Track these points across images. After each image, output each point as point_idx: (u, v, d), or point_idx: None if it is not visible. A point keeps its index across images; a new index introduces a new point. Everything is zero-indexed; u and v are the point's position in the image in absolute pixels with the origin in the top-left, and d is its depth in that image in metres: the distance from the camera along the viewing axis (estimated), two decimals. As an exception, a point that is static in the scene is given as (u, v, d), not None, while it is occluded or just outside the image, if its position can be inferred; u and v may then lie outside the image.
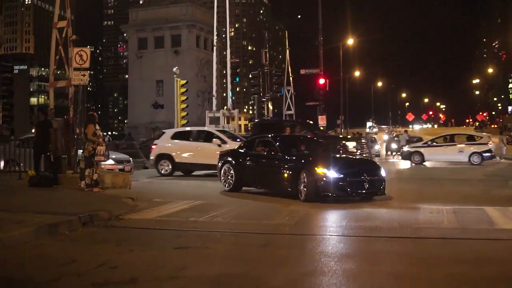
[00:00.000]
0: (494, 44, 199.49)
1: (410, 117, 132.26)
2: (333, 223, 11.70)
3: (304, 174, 14.20)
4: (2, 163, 19.98)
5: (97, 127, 15.82)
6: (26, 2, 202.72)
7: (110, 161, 21.67)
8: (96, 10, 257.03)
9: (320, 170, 14.12)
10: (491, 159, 33.00)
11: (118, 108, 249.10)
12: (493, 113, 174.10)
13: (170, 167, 23.32)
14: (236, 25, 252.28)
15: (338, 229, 10.60)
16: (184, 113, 33.60)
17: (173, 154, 23.51)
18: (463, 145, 33.03)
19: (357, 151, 25.64)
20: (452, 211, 12.32)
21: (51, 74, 18.77)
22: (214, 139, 22.83)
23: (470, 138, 34.62)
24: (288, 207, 13.13)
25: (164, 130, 26.82)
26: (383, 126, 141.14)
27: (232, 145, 21.86)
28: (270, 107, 32.57)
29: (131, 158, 24.43)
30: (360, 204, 13.71)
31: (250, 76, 38.34)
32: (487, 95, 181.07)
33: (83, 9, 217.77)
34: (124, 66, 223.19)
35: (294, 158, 15.42)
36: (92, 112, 16.77)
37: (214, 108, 34.08)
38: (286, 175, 15.04)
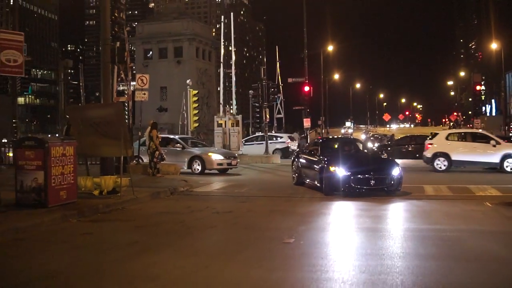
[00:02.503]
0: (470, 45, 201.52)
1: (386, 117, 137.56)
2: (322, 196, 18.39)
3: (324, 172, 16.65)
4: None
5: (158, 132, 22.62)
6: (11, 3, 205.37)
7: (220, 156, 25.86)
8: (77, 9, 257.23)
9: (332, 168, 16.35)
10: None
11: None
12: (470, 112, 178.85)
13: (446, 163, 26.49)
14: (217, 26, 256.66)
15: (330, 196, 17.35)
16: (196, 118, 40.12)
17: (450, 152, 26.65)
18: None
19: None
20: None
21: (114, 94, 25.24)
22: (491, 141, 26.27)
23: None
24: (296, 190, 19.50)
25: (436, 132, 30.37)
26: (361, 126, 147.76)
27: (504, 146, 26.10)
28: (267, 113, 39.00)
29: (236, 154, 29.50)
30: (365, 198, 15.63)
31: (252, 91, 44.39)
32: (460, 96, 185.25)
33: (65, 9, 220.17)
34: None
35: (322, 158, 17.58)
36: (154, 121, 23.31)
37: (221, 113, 40.73)
38: (317, 172, 17.43)
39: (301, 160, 19.73)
